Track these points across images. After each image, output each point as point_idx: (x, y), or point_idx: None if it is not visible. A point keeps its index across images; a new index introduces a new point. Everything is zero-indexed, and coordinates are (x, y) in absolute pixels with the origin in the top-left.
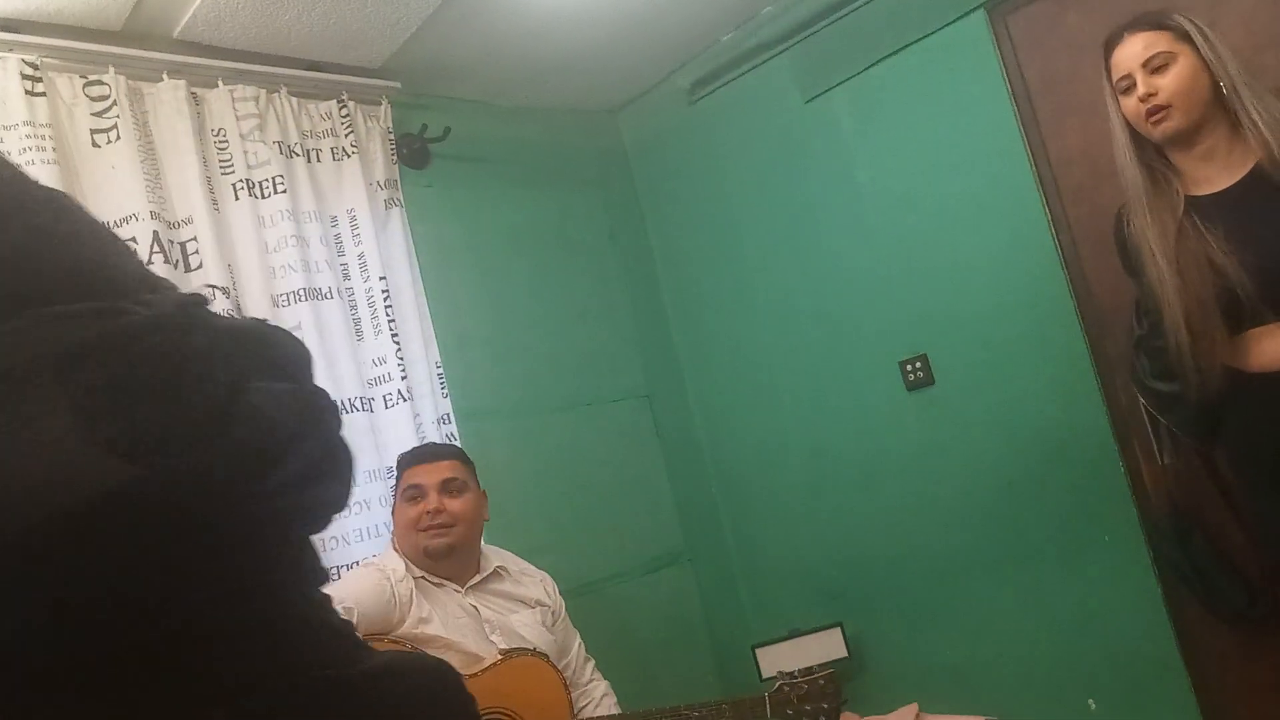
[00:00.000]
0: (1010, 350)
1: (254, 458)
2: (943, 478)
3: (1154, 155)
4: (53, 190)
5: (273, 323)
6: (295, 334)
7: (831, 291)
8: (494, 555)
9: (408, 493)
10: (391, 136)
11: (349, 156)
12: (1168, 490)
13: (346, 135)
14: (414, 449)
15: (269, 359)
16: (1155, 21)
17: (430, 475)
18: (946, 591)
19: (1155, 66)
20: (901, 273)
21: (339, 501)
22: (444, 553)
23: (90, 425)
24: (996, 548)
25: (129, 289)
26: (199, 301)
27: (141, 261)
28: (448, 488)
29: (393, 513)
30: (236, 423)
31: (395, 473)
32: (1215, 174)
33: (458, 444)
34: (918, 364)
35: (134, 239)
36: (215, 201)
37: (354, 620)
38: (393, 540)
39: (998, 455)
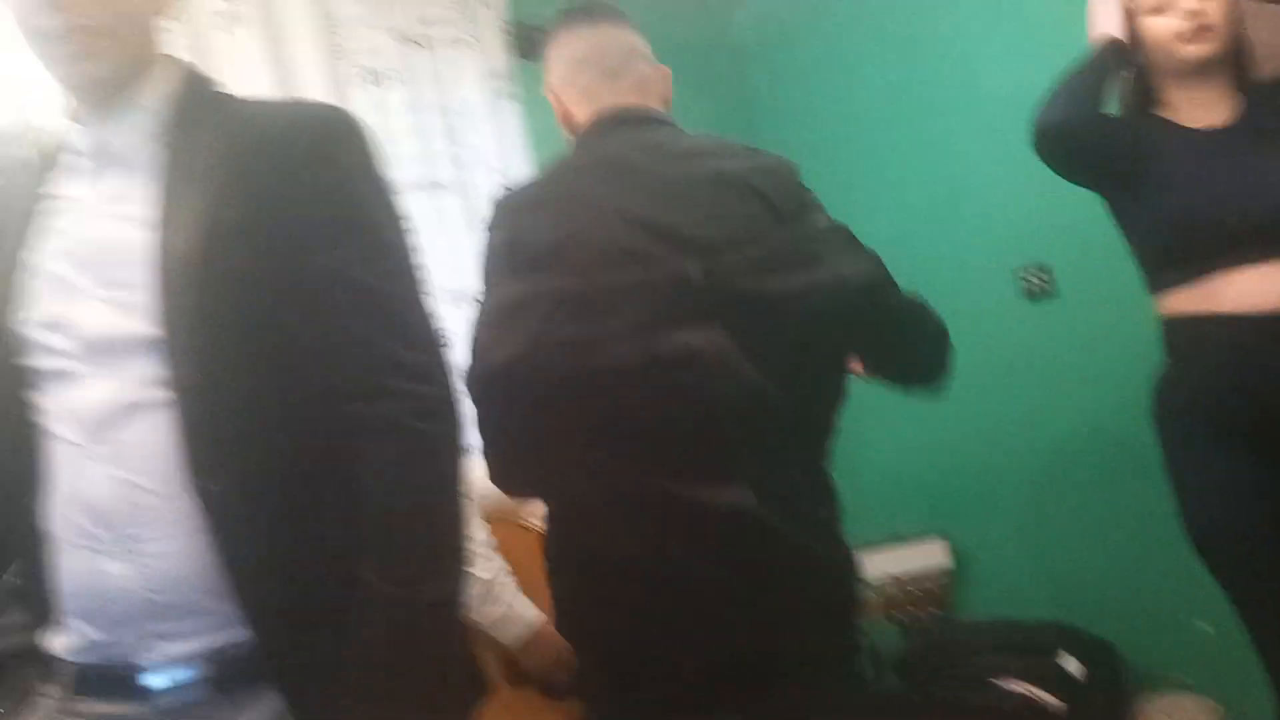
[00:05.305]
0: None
1: None
2: (1062, 389)
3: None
4: None
5: None
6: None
7: (947, 188)
8: None
9: None
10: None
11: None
12: None
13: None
14: None
15: None
16: None
17: None
18: (1054, 505)
19: None
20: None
21: None
22: None
23: None
24: (1111, 462)
25: None
26: None
27: None
28: None
29: None
30: None
31: None
32: (1210, 108)
33: None
34: (1040, 273)
35: None
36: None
37: None
38: None
39: (1122, 371)
